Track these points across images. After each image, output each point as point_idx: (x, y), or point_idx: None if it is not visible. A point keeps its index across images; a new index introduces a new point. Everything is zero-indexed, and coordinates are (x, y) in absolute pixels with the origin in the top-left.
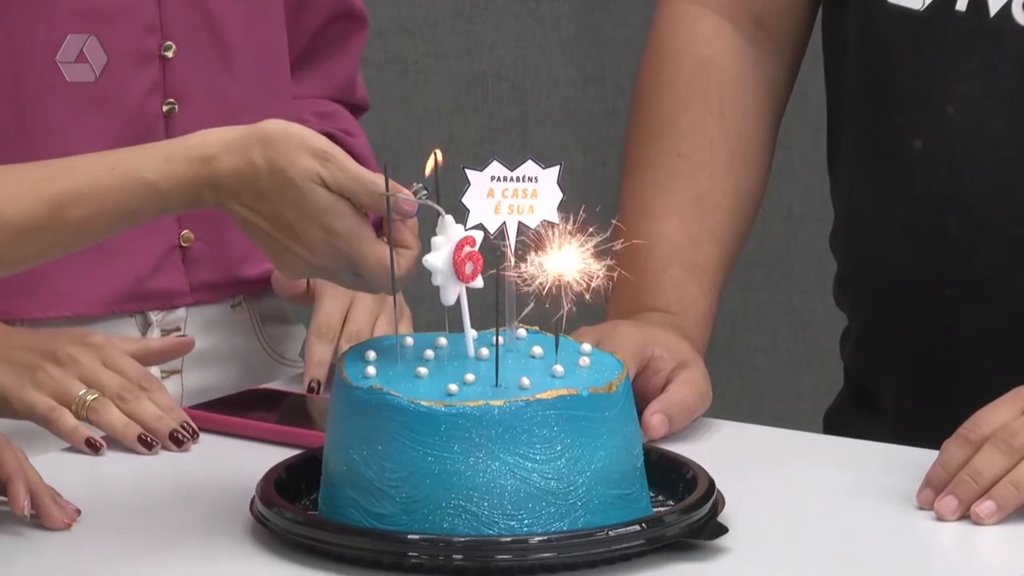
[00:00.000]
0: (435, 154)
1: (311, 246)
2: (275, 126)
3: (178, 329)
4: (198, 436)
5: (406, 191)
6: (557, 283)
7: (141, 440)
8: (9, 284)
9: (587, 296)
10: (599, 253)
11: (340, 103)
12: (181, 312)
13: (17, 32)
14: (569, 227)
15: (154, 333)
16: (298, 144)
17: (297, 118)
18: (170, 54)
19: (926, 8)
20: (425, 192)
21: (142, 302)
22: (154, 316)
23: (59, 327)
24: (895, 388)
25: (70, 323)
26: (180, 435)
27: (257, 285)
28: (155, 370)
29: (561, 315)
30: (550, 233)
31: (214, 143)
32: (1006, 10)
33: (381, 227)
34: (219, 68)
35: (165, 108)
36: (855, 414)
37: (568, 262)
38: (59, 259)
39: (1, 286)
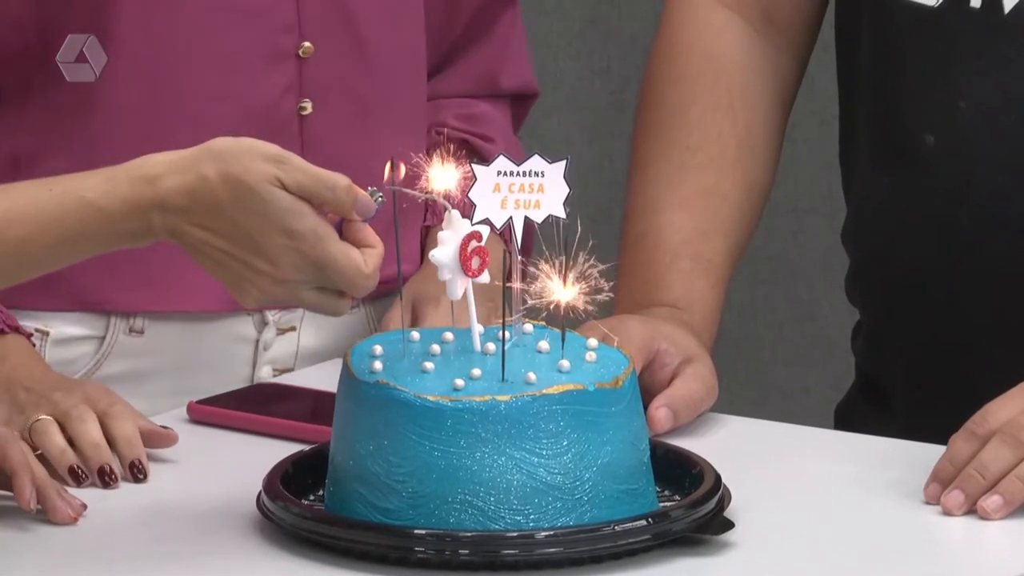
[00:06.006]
0: (391, 162)
1: (274, 256)
2: (222, 141)
3: (293, 329)
4: (143, 476)
5: (364, 192)
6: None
7: (72, 472)
8: (131, 276)
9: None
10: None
11: (493, 97)
12: (299, 311)
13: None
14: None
15: (270, 332)
16: (249, 151)
17: (437, 121)
18: (306, 53)
19: (940, 3)
20: (381, 197)
21: None
22: (271, 315)
23: (176, 322)
24: (906, 383)
25: (189, 318)
26: (108, 474)
27: (380, 287)
28: (272, 331)
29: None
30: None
31: (158, 164)
32: (1021, 6)
33: (341, 231)
34: (356, 66)
35: (300, 108)
36: (866, 409)
37: (571, 293)
38: (181, 252)
39: (122, 278)
